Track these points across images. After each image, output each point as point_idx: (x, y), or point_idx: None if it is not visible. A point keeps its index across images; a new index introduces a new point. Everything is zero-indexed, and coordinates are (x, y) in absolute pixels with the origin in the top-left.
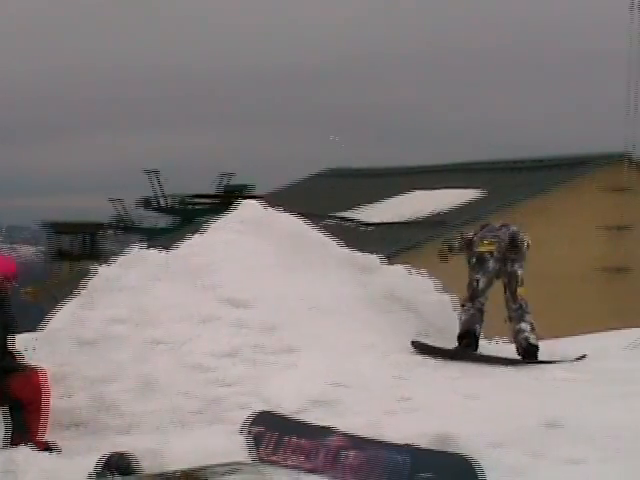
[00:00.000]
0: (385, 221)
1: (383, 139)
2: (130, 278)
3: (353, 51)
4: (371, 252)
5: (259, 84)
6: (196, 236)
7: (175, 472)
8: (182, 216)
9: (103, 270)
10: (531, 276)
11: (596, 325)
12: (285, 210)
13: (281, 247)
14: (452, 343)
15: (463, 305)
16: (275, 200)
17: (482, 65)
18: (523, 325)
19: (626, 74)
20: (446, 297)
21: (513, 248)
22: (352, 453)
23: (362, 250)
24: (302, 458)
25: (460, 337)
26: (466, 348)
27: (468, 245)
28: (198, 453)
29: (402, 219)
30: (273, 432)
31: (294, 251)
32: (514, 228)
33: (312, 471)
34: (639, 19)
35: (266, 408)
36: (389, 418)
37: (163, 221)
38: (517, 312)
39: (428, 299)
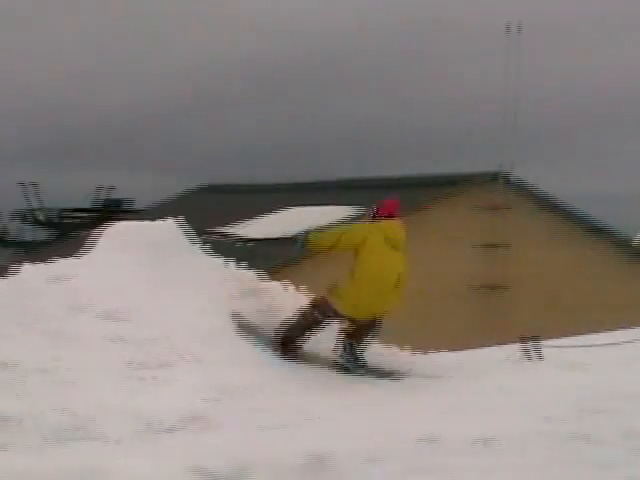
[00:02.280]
0: (264, 237)
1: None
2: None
3: None
4: (249, 268)
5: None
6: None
7: None
8: (60, 229)
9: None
10: (408, 292)
11: (468, 341)
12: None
13: (153, 261)
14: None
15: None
16: (154, 215)
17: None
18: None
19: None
20: None
21: None
22: None
23: (240, 266)
24: None
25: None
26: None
27: None
28: None
29: (281, 235)
30: None
31: (166, 265)
32: None
33: None
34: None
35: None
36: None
37: (41, 234)
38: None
39: None
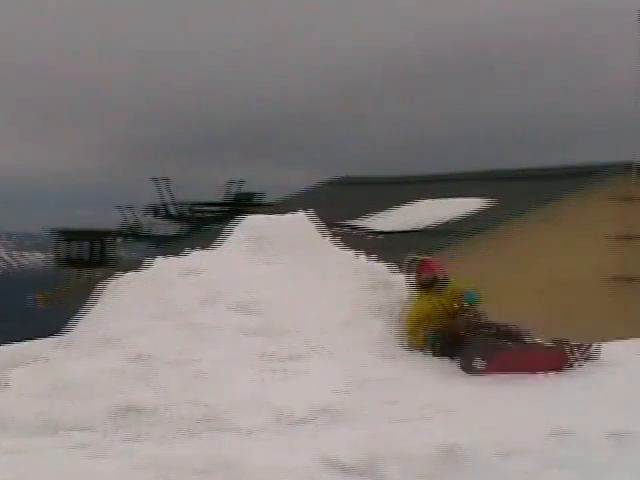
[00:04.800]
0: (393, 229)
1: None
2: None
3: None
4: (379, 261)
5: None
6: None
7: None
8: (191, 224)
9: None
10: (541, 284)
11: (603, 334)
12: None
13: (283, 254)
14: None
15: None
16: (285, 208)
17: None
18: None
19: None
20: None
21: None
22: None
23: (370, 259)
24: None
25: None
26: None
27: None
28: None
29: (411, 227)
30: None
31: (296, 258)
32: None
33: None
34: None
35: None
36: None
37: (172, 229)
38: None
39: None
